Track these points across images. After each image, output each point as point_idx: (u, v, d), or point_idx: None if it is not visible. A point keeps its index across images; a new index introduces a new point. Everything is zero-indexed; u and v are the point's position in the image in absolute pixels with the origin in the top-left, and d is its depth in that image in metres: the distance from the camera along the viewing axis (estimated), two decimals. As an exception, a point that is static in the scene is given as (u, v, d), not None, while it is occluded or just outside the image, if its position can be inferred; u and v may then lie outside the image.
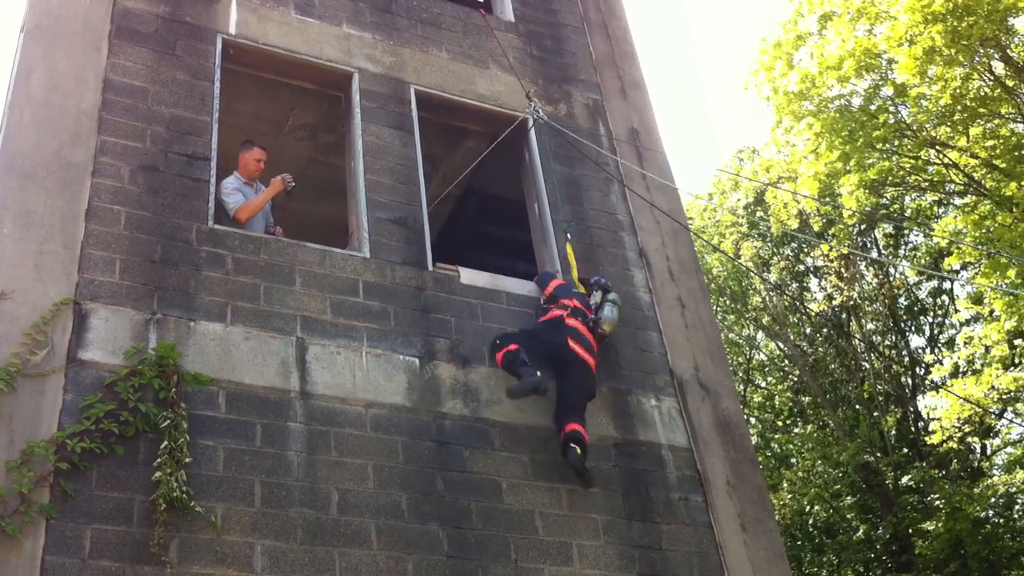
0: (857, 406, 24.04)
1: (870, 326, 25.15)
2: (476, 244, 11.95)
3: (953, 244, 18.87)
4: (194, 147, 8.23)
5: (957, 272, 22.48)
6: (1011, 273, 17.53)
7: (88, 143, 7.72)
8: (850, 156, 19.27)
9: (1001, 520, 21.01)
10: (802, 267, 26.48)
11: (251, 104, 10.36)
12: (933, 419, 21.41)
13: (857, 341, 25.03)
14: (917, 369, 24.66)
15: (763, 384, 28.45)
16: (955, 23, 17.14)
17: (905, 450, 22.87)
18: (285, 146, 11.10)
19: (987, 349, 20.28)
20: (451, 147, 11.13)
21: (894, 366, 24.44)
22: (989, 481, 20.93)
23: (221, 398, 7.08)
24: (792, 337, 25.96)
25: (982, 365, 20.68)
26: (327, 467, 7.14)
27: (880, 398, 23.93)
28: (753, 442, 16.36)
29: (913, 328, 25.94)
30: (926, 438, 21.74)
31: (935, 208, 23.27)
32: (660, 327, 9.41)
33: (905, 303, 25.62)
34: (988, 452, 23.71)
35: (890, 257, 25.61)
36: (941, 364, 22.81)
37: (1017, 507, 21.36)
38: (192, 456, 6.66)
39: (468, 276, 8.83)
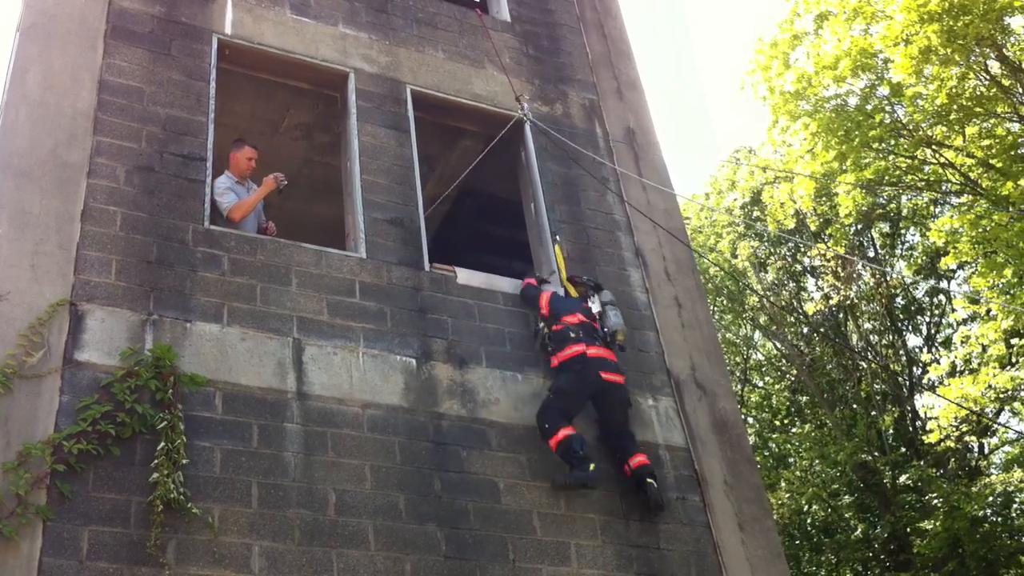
0: (855, 405, 24.06)
1: (867, 326, 25.15)
2: (472, 244, 11.94)
3: (950, 244, 18.88)
4: (190, 147, 8.21)
5: (954, 271, 22.52)
6: (1007, 272, 17.54)
7: (84, 143, 7.70)
8: (846, 156, 19.30)
9: (999, 519, 21.02)
10: (799, 267, 26.47)
11: (247, 104, 10.34)
12: (931, 418, 21.43)
13: (854, 341, 25.04)
14: (914, 368, 24.68)
15: (760, 384, 28.46)
16: (951, 22, 17.16)
17: (903, 449, 22.88)
18: (281, 146, 11.08)
19: (984, 348, 20.30)
20: (447, 147, 11.12)
21: (891, 365, 24.44)
22: (987, 480, 20.93)
23: (218, 399, 7.06)
24: (789, 337, 25.97)
25: (979, 364, 20.70)
26: (324, 468, 7.12)
27: (878, 397, 23.95)
28: (751, 442, 16.36)
29: (910, 327, 25.96)
30: (924, 437, 21.76)
31: (931, 208, 23.29)
32: (657, 327, 9.40)
33: (902, 303, 25.63)
34: (986, 451, 23.73)
35: (887, 256, 25.62)
36: (938, 363, 22.83)
37: (1015, 506, 21.37)
38: (189, 457, 6.64)
39: (464, 276, 8.81)
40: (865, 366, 24.33)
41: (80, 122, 7.80)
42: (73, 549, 6.06)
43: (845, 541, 22.84)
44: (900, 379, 24.39)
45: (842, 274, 24.04)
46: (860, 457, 22.31)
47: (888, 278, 24.77)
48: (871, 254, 25.39)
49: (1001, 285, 18.14)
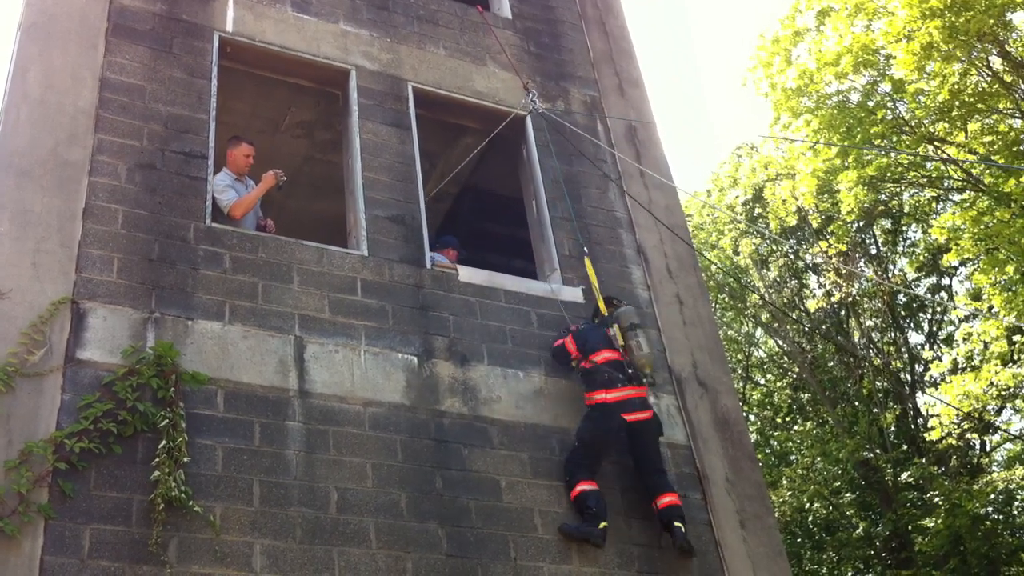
0: (856, 403, 24.03)
1: (869, 323, 25.14)
2: (473, 241, 11.93)
3: (952, 241, 18.87)
4: (191, 145, 8.21)
5: (956, 268, 22.50)
6: (1009, 269, 17.53)
7: (85, 141, 7.70)
8: (848, 152, 19.26)
9: (1000, 516, 21.02)
10: (801, 264, 26.46)
11: (248, 102, 10.35)
12: (932, 416, 21.41)
13: (856, 338, 25.03)
14: (916, 366, 24.66)
15: (762, 381, 28.45)
16: (953, 18, 17.14)
17: (904, 447, 22.86)
18: (282, 144, 11.08)
19: (986, 345, 20.29)
20: (449, 144, 11.12)
21: (893, 363, 24.43)
22: (988, 477, 20.92)
23: (219, 397, 7.07)
24: (791, 334, 25.96)
25: (981, 361, 20.68)
26: (326, 466, 7.12)
27: (879, 395, 23.93)
28: (752, 439, 16.35)
29: (912, 325, 25.94)
30: (925, 435, 21.75)
31: (933, 204, 23.26)
32: (658, 324, 9.40)
33: (904, 300, 25.61)
34: (987, 448, 23.71)
35: (888, 253, 25.60)
36: (940, 360, 22.81)
37: (1016, 503, 21.37)
38: (190, 455, 6.65)
39: (466, 274, 8.81)
40: (867, 363, 24.31)
41: (81, 120, 7.80)
42: (75, 547, 6.06)
43: (847, 539, 22.83)
44: (902, 376, 24.37)
45: (844, 271, 24.02)
46: (862, 455, 22.30)
47: (890, 275, 24.75)
48: (873, 251, 25.36)
49: (1003, 282, 18.11)
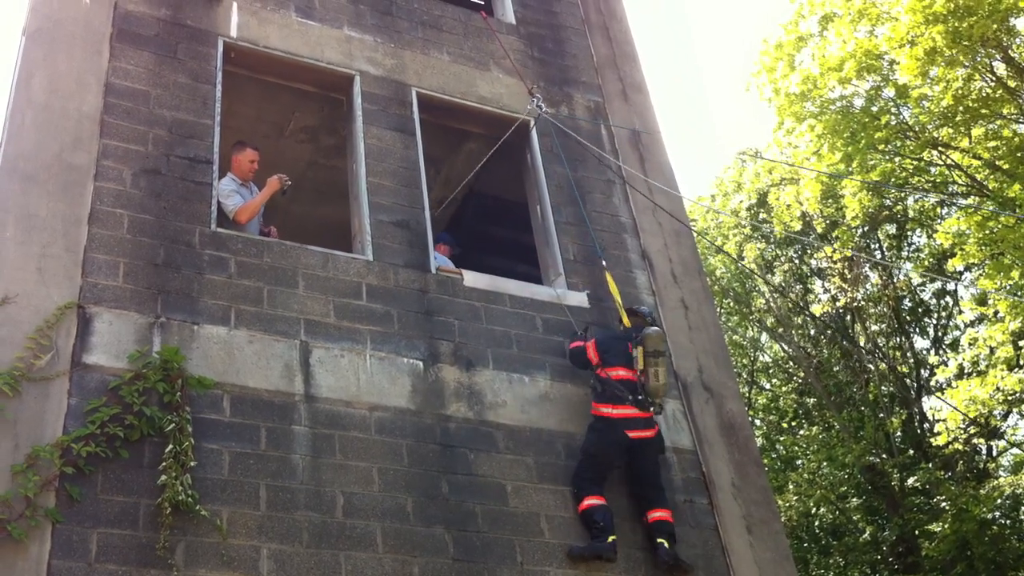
0: (862, 407, 24.01)
1: (874, 327, 25.11)
2: (478, 246, 11.93)
3: (957, 246, 18.85)
4: (196, 150, 8.22)
5: (961, 274, 22.48)
6: (1015, 274, 17.52)
7: (90, 146, 7.71)
8: (852, 157, 19.28)
9: (1008, 521, 20.99)
10: (806, 269, 26.45)
11: (252, 107, 10.36)
12: (938, 420, 21.39)
13: (862, 342, 25.00)
14: (922, 370, 24.63)
15: (768, 386, 28.42)
16: (956, 23, 17.15)
17: (911, 451, 22.84)
18: (286, 149, 11.09)
19: (992, 350, 20.26)
20: (453, 149, 11.13)
21: (899, 367, 24.40)
22: (995, 482, 20.89)
23: (225, 401, 7.07)
24: (796, 339, 25.93)
25: (987, 366, 20.65)
26: (332, 470, 7.12)
27: (885, 399, 23.90)
28: (758, 444, 16.33)
29: (917, 330, 25.92)
30: (932, 439, 21.73)
31: (938, 209, 23.26)
32: (664, 329, 9.38)
33: (909, 305, 25.59)
34: (994, 453, 23.67)
35: (893, 259, 25.59)
36: (946, 365, 22.78)
37: (1023, 508, 21.32)
38: (197, 460, 6.64)
39: (471, 278, 8.81)
40: (873, 368, 24.29)
41: (86, 125, 7.81)
42: (82, 551, 6.06)
43: (853, 544, 22.80)
44: (908, 381, 24.34)
45: (849, 276, 24.00)
46: (868, 459, 22.27)
47: (895, 279, 24.73)
48: (877, 256, 25.35)
49: (1008, 287, 18.09)
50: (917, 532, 21.20)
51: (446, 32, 10.51)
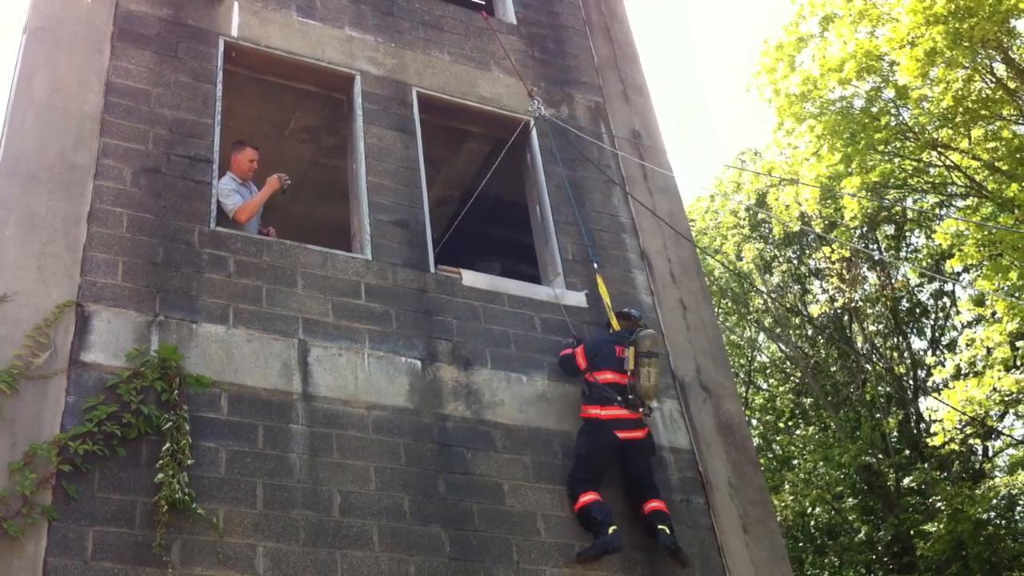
0: (859, 408, 24.03)
1: (872, 328, 25.14)
2: (477, 246, 11.95)
3: (955, 247, 18.87)
4: (196, 149, 8.24)
5: (959, 274, 22.49)
6: (1013, 275, 17.53)
7: (90, 145, 7.72)
8: (852, 158, 19.29)
9: (1003, 522, 21.02)
10: (804, 269, 26.47)
11: (253, 106, 10.37)
12: (935, 421, 21.40)
13: (859, 343, 25.03)
14: (919, 371, 24.65)
15: (765, 386, 28.44)
16: (956, 25, 17.15)
17: (907, 452, 22.87)
18: (287, 148, 11.10)
19: (989, 351, 20.28)
20: (453, 149, 11.14)
21: (896, 368, 24.43)
22: (991, 483, 20.92)
23: (223, 400, 7.08)
24: (794, 339, 25.96)
25: (984, 367, 20.68)
26: (329, 469, 7.14)
27: (882, 400, 23.93)
28: (755, 444, 16.36)
29: (915, 330, 25.94)
30: (928, 440, 21.74)
31: (937, 210, 23.27)
32: (662, 329, 9.41)
33: (907, 305, 25.61)
34: (990, 454, 23.70)
35: (891, 259, 25.60)
36: (943, 366, 22.80)
37: (1019, 509, 21.38)
38: (194, 458, 6.66)
39: (470, 278, 8.83)
40: (870, 368, 24.31)
41: (87, 124, 7.83)
42: (78, 549, 6.08)
43: (849, 543, 22.83)
44: (904, 382, 24.37)
45: (847, 276, 24.02)
46: (864, 459, 22.30)
47: (893, 280, 24.75)
48: (876, 257, 25.36)
49: (1006, 288, 18.11)
50: (912, 532, 21.23)
51: (447, 32, 10.53)
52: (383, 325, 8.09)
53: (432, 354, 8.15)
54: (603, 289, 8.95)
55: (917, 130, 19.55)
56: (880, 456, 22.52)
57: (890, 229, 25.28)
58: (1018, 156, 18.17)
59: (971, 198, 19.88)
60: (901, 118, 20.04)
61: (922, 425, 23.56)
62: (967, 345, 21.61)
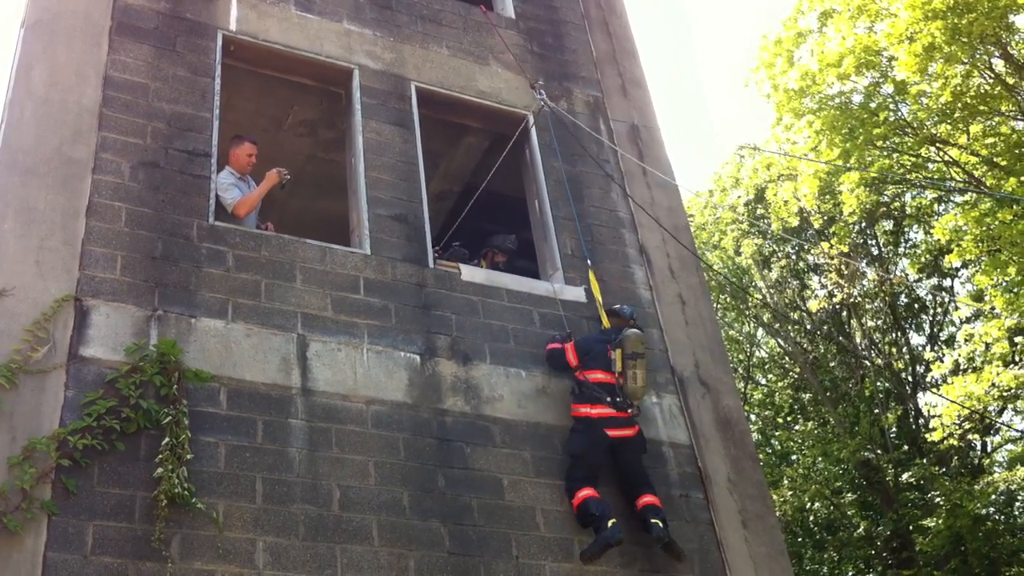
0: (858, 403, 24.05)
1: (870, 323, 25.14)
2: (476, 241, 11.94)
3: (953, 242, 18.87)
4: (195, 143, 8.23)
5: (957, 270, 22.51)
6: (1012, 271, 17.53)
7: (89, 139, 7.71)
8: (850, 153, 19.28)
9: (1002, 517, 21.01)
10: (803, 265, 26.47)
11: (251, 100, 10.36)
12: (933, 416, 21.42)
13: (858, 338, 25.03)
14: (917, 366, 24.66)
15: (764, 381, 28.45)
16: (955, 20, 17.15)
17: (906, 447, 22.87)
18: (285, 142, 11.09)
19: (987, 346, 20.29)
20: (452, 144, 11.12)
21: (894, 363, 24.44)
22: (990, 478, 20.93)
23: (222, 395, 7.08)
24: (793, 334, 25.96)
25: (983, 362, 20.68)
26: (328, 464, 7.14)
27: (880, 395, 23.94)
28: (754, 439, 16.37)
29: (913, 326, 25.94)
30: (927, 435, 21.75)
31: (935, 205, 23.28)
32: (661, 324, 9.41)
33: (905, 301, 25.62)
34: (989, 449, 23.72)
35: (890, 255, 25.61)
36: (941, 361, 22.81)
37: (1018, 504, 21.37)
38: (193, 452, 6.66)
39: (468, 273, 8.83)
40: (868, 364, 24.32)
41: (85, 118, 7.81)
42: (78, 544, 6.07)
43: (847, 538, 22.85)
44: (903, 377, 24.38)
45: (846, 272, 24.03)
46: (863, 455, 22.31)
47: (892, 276, 24.75)
48: (874, 252, 25.37)
49: (1005, 283, 18.11)
50: (911, 527, 21.25)
51: (445, 26, 10.51)
52: (382, 320, 8.08)
53: (431, 349, 8.14)
54: (595, 286, 8.95)
55: (915, 125, 19.56)
56: (879, 452, 22.53)
57: (889, 224, 25.27)
58: (1016, 151, 18.17)
59: (969, 193, 19.87)
60: (900, 113, 20.04)
61: (921, 420, 23.58)
62: (966, 340, 21.61)
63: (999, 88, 18.23)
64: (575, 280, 9.27)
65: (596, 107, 10.87)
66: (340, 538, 6.84)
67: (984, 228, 17.73)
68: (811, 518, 24.61)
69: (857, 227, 24.31)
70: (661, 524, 7.77)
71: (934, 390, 22.52)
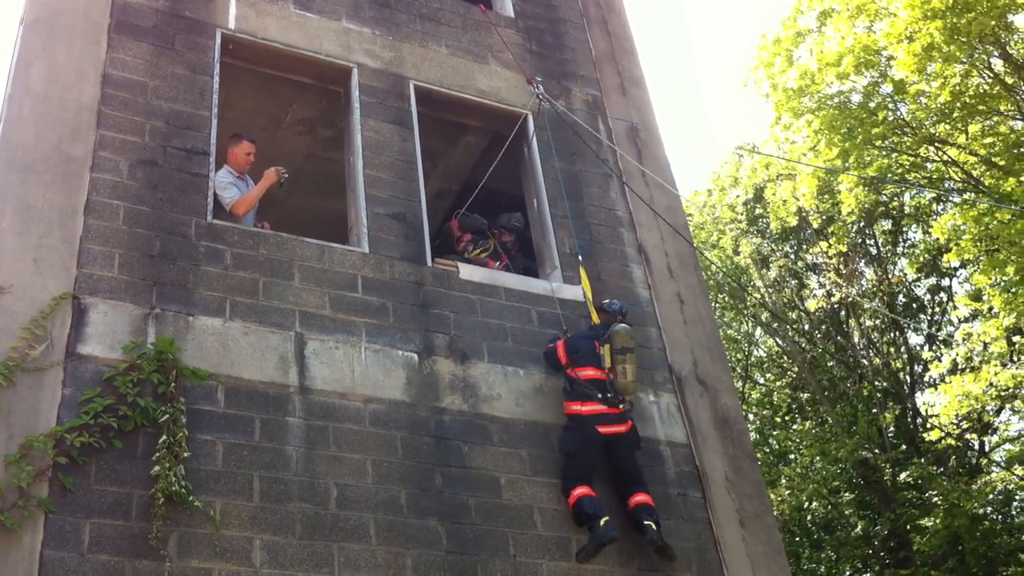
0: (856, 403, 24.04)
1: (869, 323, 25.15)
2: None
3: (952, 241, 18.87)
4: (193, 142, 8.22)
5: (956, 269, 22.52)
6: (1010, 270, 17.54)
7: (87, 137, 7.71)
8: (849, 153, 19.29)
9: (999, 516, 21.05)
10: (801, 264, 26.48)
11: (250, 99, 10.35)
12: (931, 416, 21.43)
13: (856, 338, 25.04)
14: (915, 366, 24.67)
15: (762, 380, 28.46)
16: (954, 20, 17.16)
17: (903, 447, 22.87)
18: (284, 141, 11.09)
19: (985, 346, 20.30)
20: (450, 143, 11.12)
21: (892, 363, 24.44)
22: (987, 478, 20.95)
23: (220, 393, 7.08)
24: (791, 334, 25.97)
25: (980, 362, 20.69)
26: (326, 462, 7.14)
27: (878, 395, 23.94)
28: (751, 438, 16.37)
29: (911, 325, 25.94)
30: (924, 435, 21.77)
31: (934, 205, 23.28)
32: (659, 323, 9.42)
33: (904, 300, 25.62)
34: (986, 449, 23.73)
35: (888, 255, 25.61)
36: (940, 361, 22.82)
37: (1015, 504, 21.39)
38: (191, 451, 6.66)
39: (466, 272, 8.83)
40: (866, 363, 24.32)
41: (84, 116, 7.81)
42: (74, 541, 6.08)
43: (845, 538, 22.85)
44: (901, 376, 24.38)
45: (844, 271, 24.03)
46: (861, 454, 22.30)
47: (890, 276, 24.76)
48: (873, 252, 25.38)
49: (1003, 283, 18.12)
50: (909, 527, 21.27)
51: (444, 25, 10.51)
52: (380, 318, 8.09)
53: (429, 347, 8.14)
54: (586, 282, 8.98)
55: (914, 125, 19.56)
56: (877, 451, 22.53)
57: (887, 224, 25.27)
58: (1015, 151, 18.18)
59: (968, 193, 19.87)
60: (899, 113, 20.05)
61: (919, 420, 23.58)
62: (964, 340, 21.62)
63: (998, 88, 18.24)
64: (573, 279, 9.26)
65: (595, 106, 10.88)
66: (337, 536, 6.84)
67: (982, 228, 17.72)
68: (809, 517, 24.62)
69: (856, 227, 24.32)
70: (654, 526, 7.77)
71: (932, 390, 22.54)
